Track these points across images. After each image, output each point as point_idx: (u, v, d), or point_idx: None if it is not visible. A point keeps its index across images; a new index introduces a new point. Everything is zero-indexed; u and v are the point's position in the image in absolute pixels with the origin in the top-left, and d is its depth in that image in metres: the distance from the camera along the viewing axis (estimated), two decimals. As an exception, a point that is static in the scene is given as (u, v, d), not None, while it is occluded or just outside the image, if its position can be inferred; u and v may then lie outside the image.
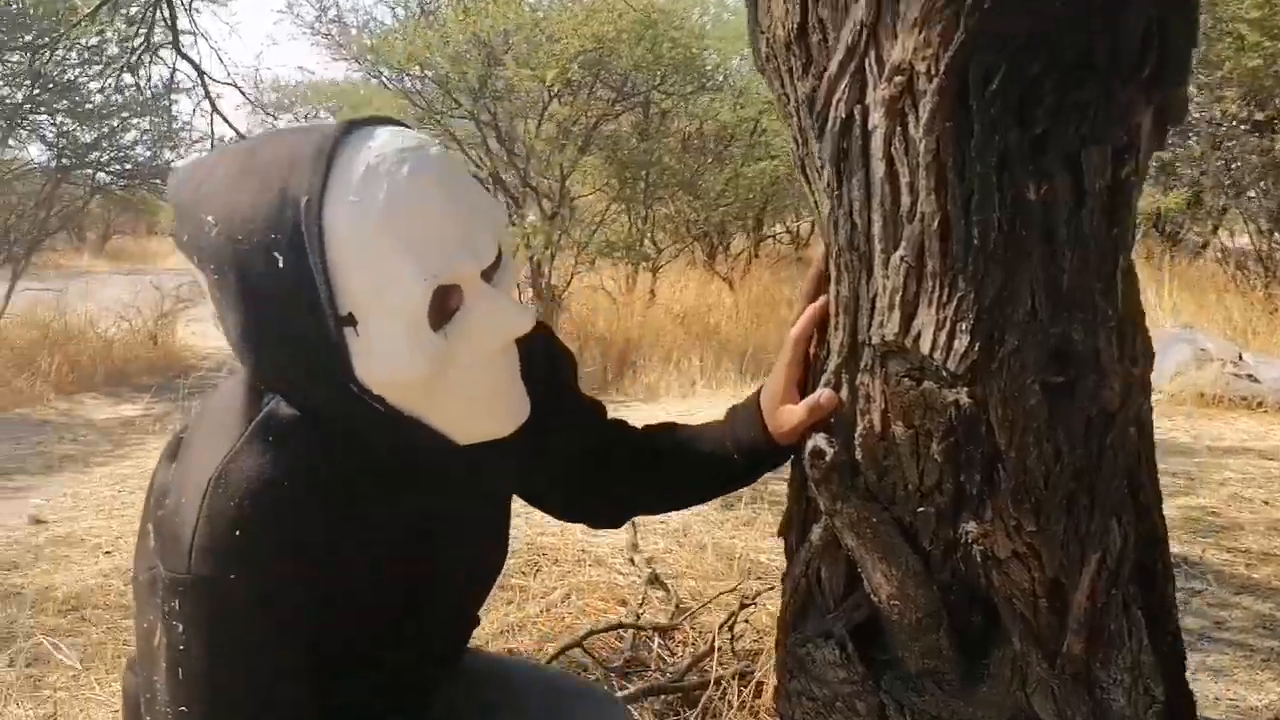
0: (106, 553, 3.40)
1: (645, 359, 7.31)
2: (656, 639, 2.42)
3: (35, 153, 9.54)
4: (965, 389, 1.01)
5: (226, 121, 8.27)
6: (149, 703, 0.98)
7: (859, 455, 1.11)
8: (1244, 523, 3.59)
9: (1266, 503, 3.85)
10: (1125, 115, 0.93)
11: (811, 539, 1.20)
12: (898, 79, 0.96)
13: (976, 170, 0.95)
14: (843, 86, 1.02)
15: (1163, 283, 7.54)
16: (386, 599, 1.06)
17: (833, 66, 1.02)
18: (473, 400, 0.99)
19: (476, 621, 1.32)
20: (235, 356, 0.99)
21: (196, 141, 10.35)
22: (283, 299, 0.90)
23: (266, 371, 0.98)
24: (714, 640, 2.28)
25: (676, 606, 2.67)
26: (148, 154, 9.82)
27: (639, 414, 6.27)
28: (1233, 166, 7.70)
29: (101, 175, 9.66)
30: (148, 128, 10.12)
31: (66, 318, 8.82)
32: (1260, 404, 5.81)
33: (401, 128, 0.96)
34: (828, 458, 1.11)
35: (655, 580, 2.81)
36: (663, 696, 2.17)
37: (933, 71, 0.93)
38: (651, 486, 1.33)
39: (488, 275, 0.96)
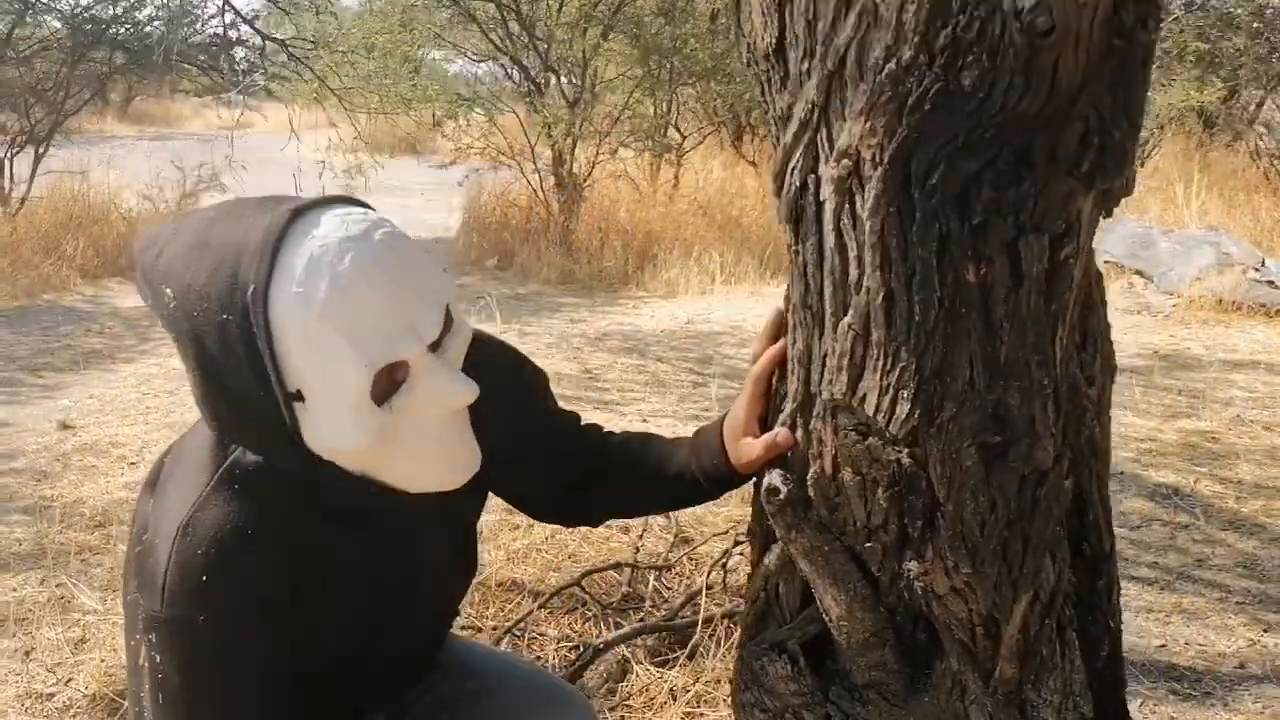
0: (131, 464, 3.55)
1: (666, 253, 7.31)
2: (653, 575, 2.54)
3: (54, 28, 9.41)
4: (906, 449, 1.07)
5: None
6: (138, 715, 1.08)
7: (812, 492, 1.18)
8: (1241, 450, 3.64)
9: (1267, 428, 3.89)
10: (1064, 206, 0.96)
11: (768, 560, 1.27)
12: (845, 161, 0.98)
13: (918, 253, 0.98)
14: (797, 155, 1.04)
15: (1191, 180, 7.41)
16: (354, 630, 1.15)
17: (788, 137, 1.04)
18: (420, 460, 1.05)
19: (458, 604, 1.41)
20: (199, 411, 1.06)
21: (211, 17, 10.22)
22: (235, 373, 0.97)
23: (226, 430, 1.05)
24: (704, 581, 2.38)
25: (676, 535, 2.78)
26: (162, 30, 9.69)
27: (657, 311, 6.33)
28: (1274, 57, 7.46)
29: (118, 55, 9.57)
30: (162, 1, 9.99)
31: (90, 198, 8.87)
32: (1279, 311, 5.79)
33: (351, 210, 1.00)
34: (782, 495, 1.18)
35: (656, 509, 2.91)
36: (655, 635, 2.29)
37: (877, 160, 0.96)
38: (623, 498, 1.40)
39: (436, 345, 1.02)
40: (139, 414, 4.17)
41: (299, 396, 0.98)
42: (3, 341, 5.53)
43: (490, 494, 1.32)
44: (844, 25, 0.94)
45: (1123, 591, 2.53)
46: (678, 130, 8.98)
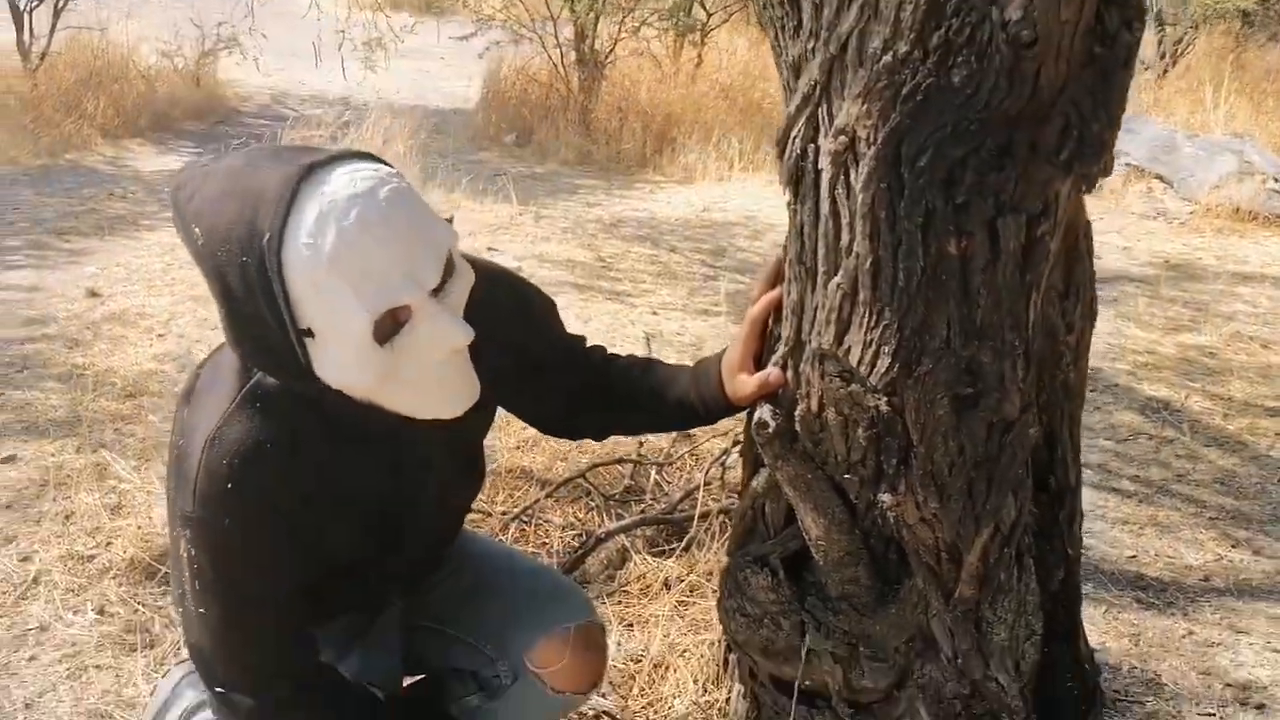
0: (159, 335, 3.68)
1: (685, 136, 7.28)
2: (654, 470, 2.67)
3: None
4: (885, 397, 1.17)
5: None
6: (180, 598, 1.22)
7: (798, 428, 1.29)
8: (1235, 367, 3.74)
9: (1265, 345, 3.98)
10: (1043, 190, 1.04)
11: (756, 483, 1.39)
12: (841, 138, 1.06)
13: (905, 226, 1.07)
14: (799, 125, 1.12)
15: (1222, 83, 7.30)
16: (367, 534, 1.28)
17: (791, 107, 1.12)
18: (422, 393, 1.16)
19: (466, 511, 1.55)
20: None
21: None
22: (254, 309, 1.08)
23: (248, 357, 1.16)
24: (703, 477, 2.52)
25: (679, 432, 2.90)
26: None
27: (674, 197, 6.36)
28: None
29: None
30: None
31: (109, 54, 8.81)
32: (1294, 224, 5.79)
33: (361, 167, 1.09)
34: (771, 428, 1.29)
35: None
36: (654, 526, 2.44)
37: (871, 140, 1.03)
38: (625, 419, 1.51)
39: (439, 291, 1.12)
40: (164, 285, 4.28)
41: (309, 334, 1.09)
42: (28, 202, 5.61)
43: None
44: (847, 15, 1.01)
45: (1102, 503, 2.66)
46: (703, 7, 8.81)
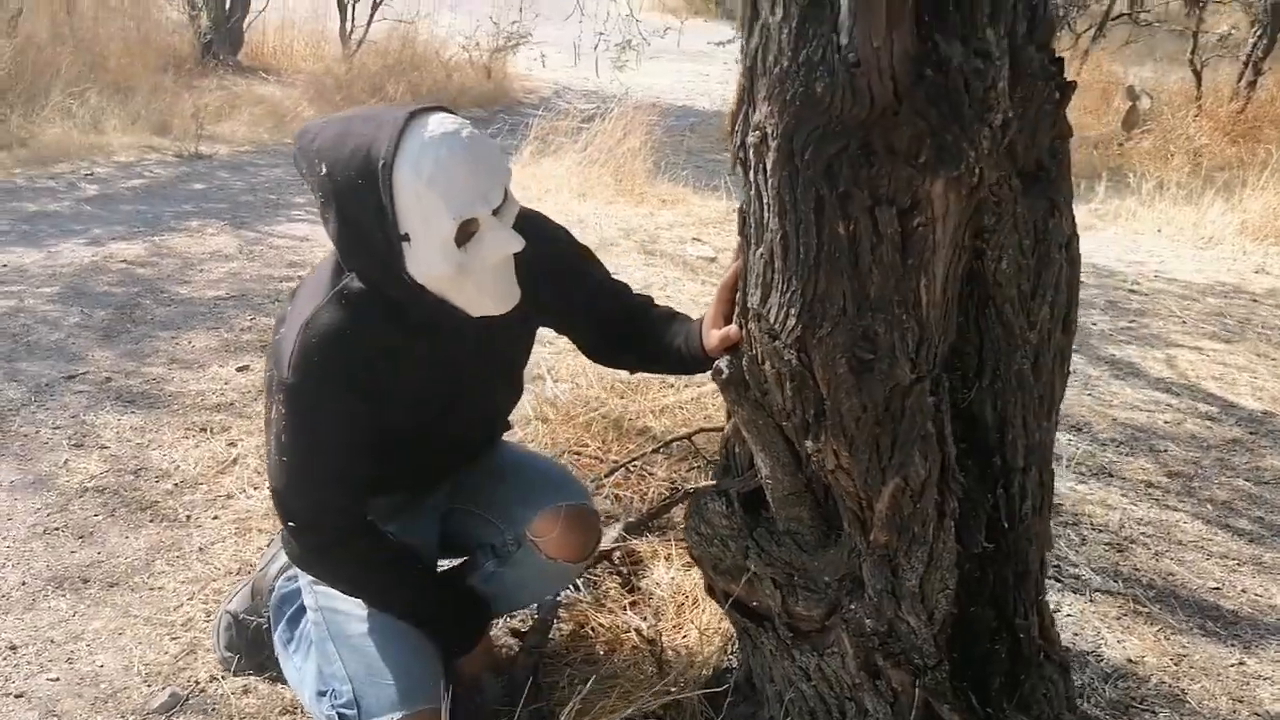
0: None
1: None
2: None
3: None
4: (796, 354, 1.41)
5: None
6: (269, 454, 1.62)
7: (748, 377, 1.53)
8: None
9: None
10: (908, 187, 1.25)
11: (728, 427, 1.65)
12: (757, 132, 1.31)
13: (801, 209, 1.30)
14: (739, 119, 1.37)
15: None
16: (422, 413, 1.64)
17: (733, 100, 1.37)
18: (481, 290, 1.54)
19: (507, 427, 1.90)
20: (332, 246, 1.56)
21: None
22: (365, 219, 1.46)
23: (350, 261, 1.54)
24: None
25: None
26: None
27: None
28: None
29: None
30: None
31: (416, 47, 9.84)
32: None
33: (448, 116, 1.47)
34: (724, 375, 1.54)
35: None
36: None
37: (774, 135, 1.28)
38: (645, 360, 1.83)
39: (498, 211, 1.48)
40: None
41: (406, 238, 1.47)
42: (321, 168, 6.49)
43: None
44: (755, 35, 1.26)
45: (1209, 537, 2.66)
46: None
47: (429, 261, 1.48)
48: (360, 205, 1.45)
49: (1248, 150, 7.58)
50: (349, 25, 9.62)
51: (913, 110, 1.19)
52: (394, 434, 1.64)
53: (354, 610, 1.71)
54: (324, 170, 1.48)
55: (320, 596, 1.74)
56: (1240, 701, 2.11)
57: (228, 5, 9.45)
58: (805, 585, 1.60)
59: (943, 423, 1.47)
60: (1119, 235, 6.08)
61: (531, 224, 1.64)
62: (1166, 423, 3.44)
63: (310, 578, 1.76)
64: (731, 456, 1.69)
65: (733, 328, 1.55)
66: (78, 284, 4.14)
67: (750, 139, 1.34)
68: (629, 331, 1.79)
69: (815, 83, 1.19)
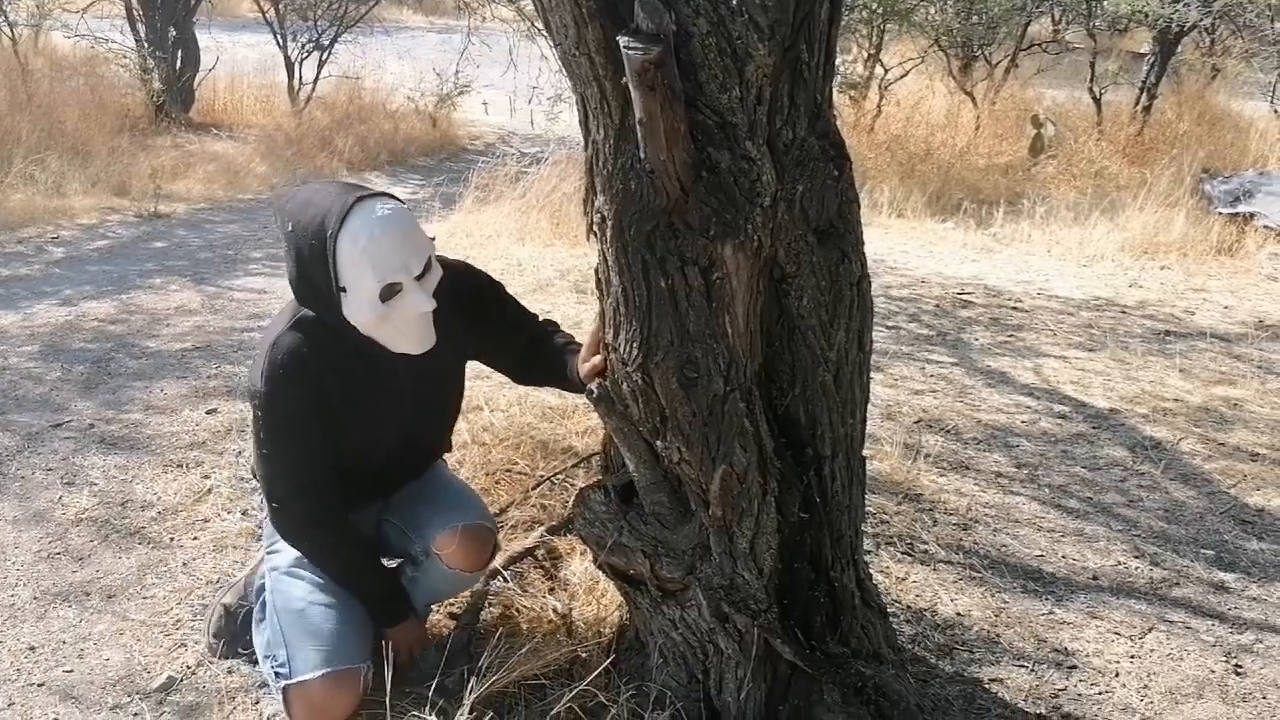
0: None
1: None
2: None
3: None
4: (641, 376, 1.89)
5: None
6: (254, 451, 2.08)
7: (612, 394, 2.01)
8: (1251, 418, 4.04)
9: None
10: (705, 252, 1.74)
11: (606, 433, 2.13)
12: (598, 213, 1.80)
13: (633, 270, 1.78)
14: (588, 199, 1.86)
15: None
16: (361, 427, 2.11)
17: (585, 188, 1.86)
18: (400, 334, 2.02)
19: (447, 449, 2.37)
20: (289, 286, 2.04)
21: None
22: (315, 271, 1.95)
23: (303, 300, 2.02)
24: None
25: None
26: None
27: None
28: None
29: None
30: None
31: (363, 99, 10.31)
32: None
33: (388, 202, 1.96)
34: (595, 394, 2.01)
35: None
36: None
37: (609, 216, 1.76)
38: (553, 381, 2.30)
39: (421, 277, 1.96)
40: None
41: (344, 290, 1.95)
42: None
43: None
44: (589, 146, 1.75)
45: (1040, 514, 3.15)
46: (880, 63, 9.38)
47: (359, 309, 1.97)
48: (313, 259, 1.94)
49: (1151, 171, 8.03)
50: (296, 81, 10.04)
51: (698, 200, 1.68)
52: (342, 449, 2.10)
53: (296, 588, 2.15)
54: (290, 227, 1.97)
55: (273, 578, 2.20)
56: (1044, 642, 2.61)
57: (178, 64, 9.82)
58: (668, 554, 2.07)
59: (758, 422, 1.95)
60: (1013, 257, 6.65)
61: (459, 276, 2.13)
62: (1023, 422, 3.96)
63: (273, 562, 2.21)
64: (610, 458, 2.16)
65: (599, 358, 2.03)
66: (55, 342, 4.55)
67: (595, 217, 1.82)
68: (534, 356, 2.28)
69: (629, 182, 1.68)
